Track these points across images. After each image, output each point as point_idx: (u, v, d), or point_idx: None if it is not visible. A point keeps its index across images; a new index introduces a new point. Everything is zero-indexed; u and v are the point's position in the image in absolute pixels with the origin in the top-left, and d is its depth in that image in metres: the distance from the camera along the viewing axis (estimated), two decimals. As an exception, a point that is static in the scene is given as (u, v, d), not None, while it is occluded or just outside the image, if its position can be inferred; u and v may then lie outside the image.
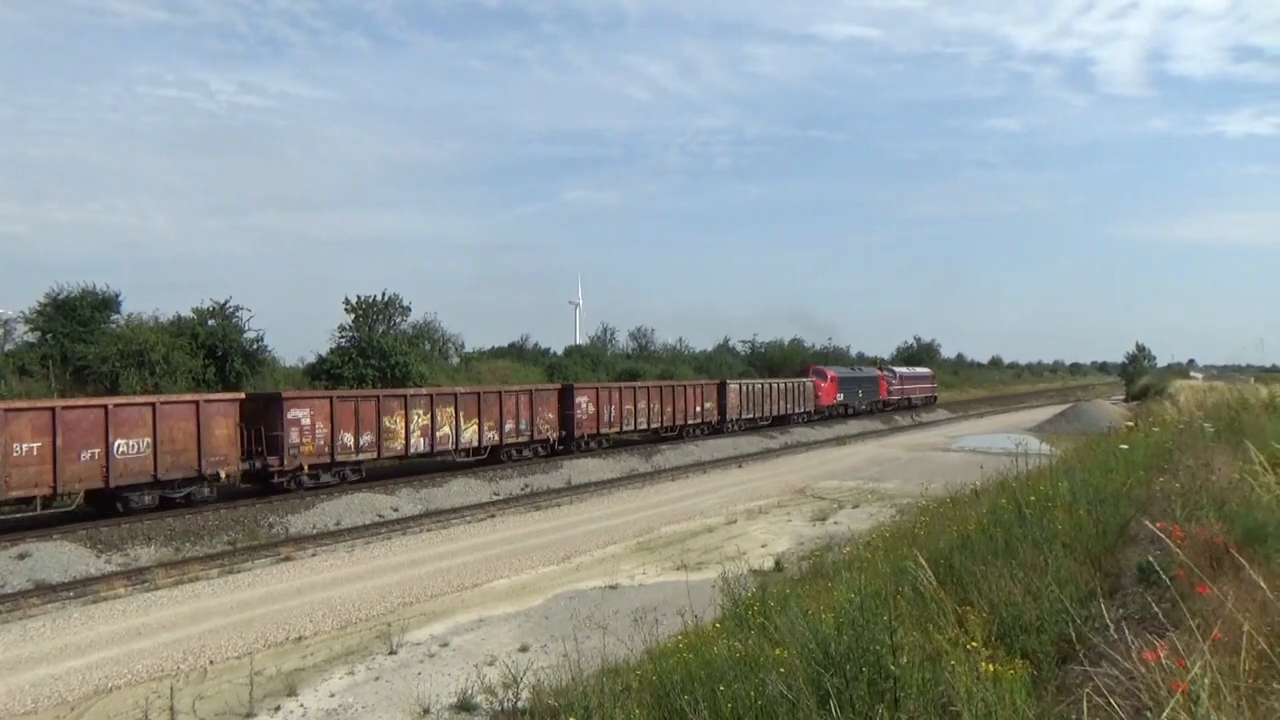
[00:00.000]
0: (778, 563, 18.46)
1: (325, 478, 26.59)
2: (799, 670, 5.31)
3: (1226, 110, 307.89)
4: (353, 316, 43.53)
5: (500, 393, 33.36)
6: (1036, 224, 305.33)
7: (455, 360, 54.53)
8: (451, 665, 13.61)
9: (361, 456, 27.67)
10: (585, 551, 21.77)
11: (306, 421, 25.72)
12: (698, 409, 45.19)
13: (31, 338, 36.25)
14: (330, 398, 27.15)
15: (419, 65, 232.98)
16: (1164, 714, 3.26)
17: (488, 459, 32.51)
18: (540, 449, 35.24)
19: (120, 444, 21.48)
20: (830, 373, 60.93)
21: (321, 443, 26.21)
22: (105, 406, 21.50)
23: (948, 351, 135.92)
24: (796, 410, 54.64)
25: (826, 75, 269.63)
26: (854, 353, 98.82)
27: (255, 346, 37.94)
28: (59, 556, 18.91)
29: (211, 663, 13.96)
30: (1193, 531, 5.94)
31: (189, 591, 17.82)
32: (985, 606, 6.23)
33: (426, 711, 11.46)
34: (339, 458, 26.77)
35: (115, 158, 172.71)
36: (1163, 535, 5.65)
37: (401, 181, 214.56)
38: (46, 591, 17.32)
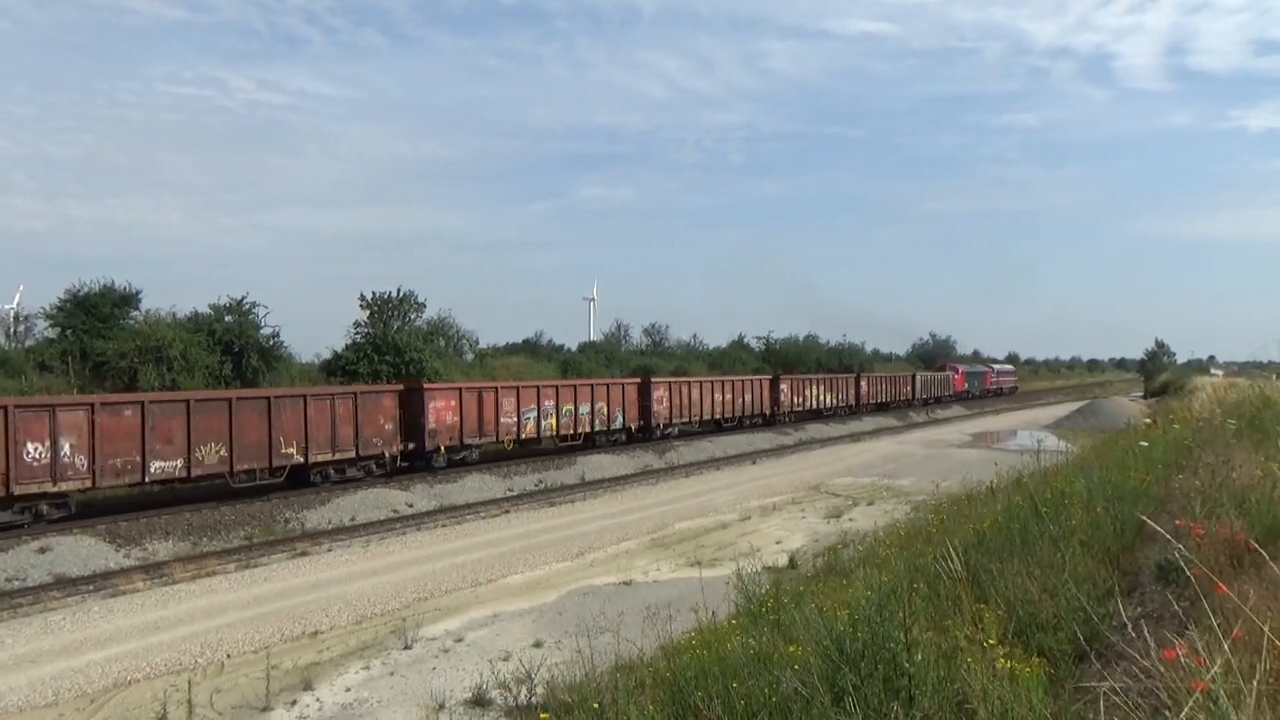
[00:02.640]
0: (792, 559, 18.40)
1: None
2: (814, 667, 5.28)
3: (1248, 104, 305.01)
4: (368, 313, 43.71)
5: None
6: (1055, 220, 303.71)
7: (470, 356, 54.67)
8: (466, 661, 13.64)
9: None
10: (599, 548, 21.76)
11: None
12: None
13: (51, 333, 36.63)
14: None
15: (435, 62, 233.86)
16: (1183, 713, 3.22)
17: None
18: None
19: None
20: (961, 369, 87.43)
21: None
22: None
23: (964, 348, 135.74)
24: (945, 394, 78.64)
25: (842, 71, 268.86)
26: (869, 349, 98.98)
27: (271, 343, 38.13)
28: (78, 550, 19.07)
29: (229, 656, 14.04)
30: (1213, 529, 5.88)
31: (206, 586, 17.94)
32: (1001, 604, 6.19)
33: (441, 706, 11.49)
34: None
35: (134, 155, 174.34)
36: (1185, 532, 5.59)
37: (417, 178, 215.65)
38: (66, 585, 17.48)
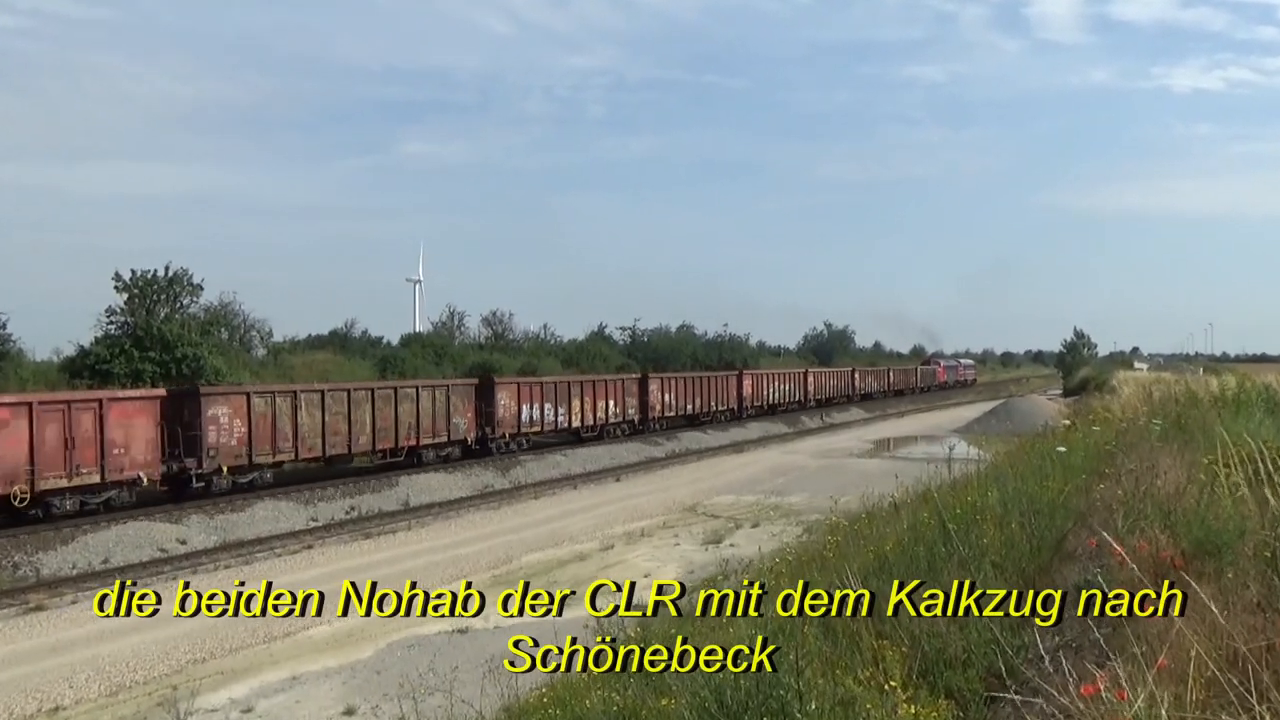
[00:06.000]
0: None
1: None
2: (688, 723, 5.36)
3: (1173, 61, 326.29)
4: (126, 297, 42.06)
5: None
6: (963, 190, 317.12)
7: (262, 352, 53.09)
8: (257, 736, 13.25)
9: None
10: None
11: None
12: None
13: None
14: None
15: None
16: (1105, 755, 3.42)
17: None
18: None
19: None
20: (941, 363, 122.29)
21: None
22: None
23: (863, 340, 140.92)
24: (931, 385, 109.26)
25: (721, 8, 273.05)
26: (753, 341, 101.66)
27: (-6, 336, 36.07)
28: None
29: (-65, 746, 13.19)
30: (1136, 545, 6.28)
31: (-96, 655, 16.78)
32: (905, 638, 6.43)
33: (224, 795, 11.11)
34: None
35: None
36: (1106, 549, 5.93)
37: (196, 127, 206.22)
38: None
